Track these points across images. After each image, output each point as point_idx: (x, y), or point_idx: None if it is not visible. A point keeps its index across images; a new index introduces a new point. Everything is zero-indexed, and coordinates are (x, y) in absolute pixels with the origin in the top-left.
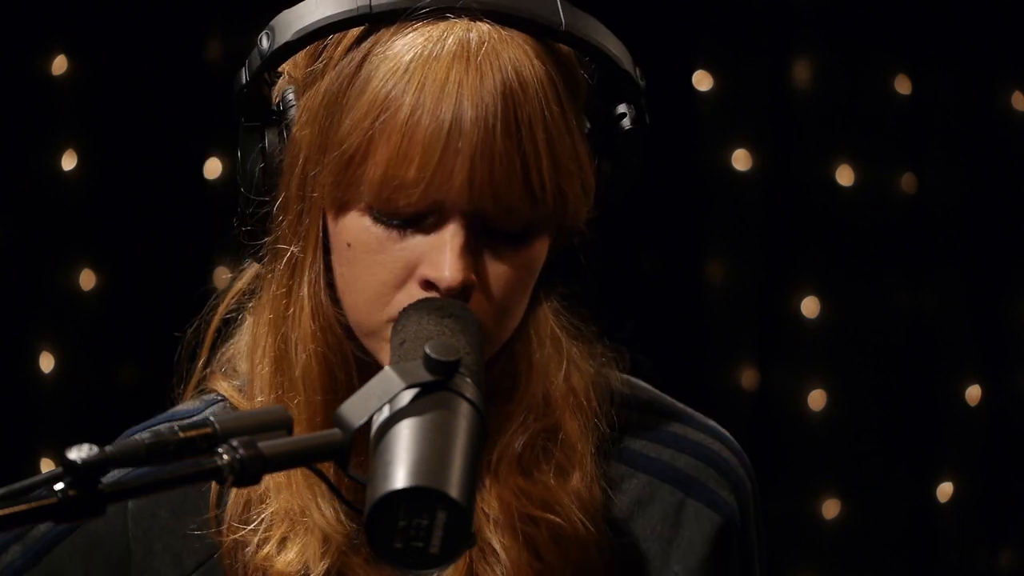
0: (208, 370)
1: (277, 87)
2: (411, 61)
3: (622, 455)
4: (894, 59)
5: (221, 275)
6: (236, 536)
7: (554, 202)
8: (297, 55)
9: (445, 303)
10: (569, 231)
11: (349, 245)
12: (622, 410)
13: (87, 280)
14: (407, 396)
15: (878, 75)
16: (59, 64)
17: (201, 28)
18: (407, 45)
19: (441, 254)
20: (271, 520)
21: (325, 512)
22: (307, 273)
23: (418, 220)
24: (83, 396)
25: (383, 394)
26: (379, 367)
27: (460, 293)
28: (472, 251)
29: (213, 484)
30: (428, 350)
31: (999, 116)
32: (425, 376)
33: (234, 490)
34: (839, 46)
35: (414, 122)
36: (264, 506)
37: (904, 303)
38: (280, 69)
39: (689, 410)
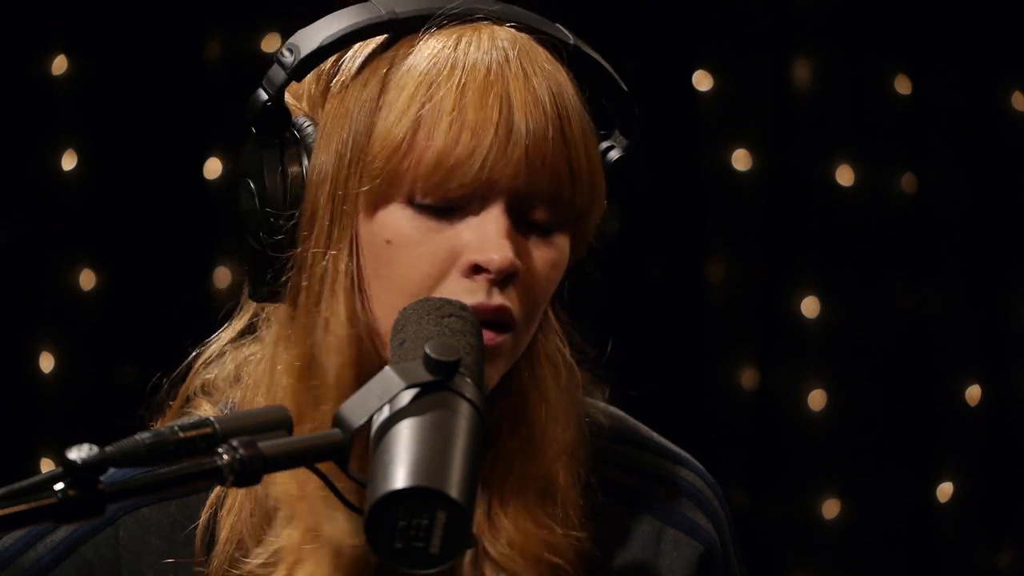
0: (187, 397)
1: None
2: (451, 52)
3: (601, 486)
4: (894, 59)
5: (221, 275)
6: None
7: (589, 195)
8: (305, 79)
9: (445, 303)
10: (581, 239)
11: (389, 242)
12: (602, 441)
13: (87, 280)
14: (407, 396)
15: (878, 75)
16: (59, 64)
17: (201, 28)
18: (441, 41)
19: (488, 238)
20: (275, 555)
21: (341, 524)
22: (341, 279)
23: (462, 207)
24: (83, 396)
25: (383, 394)
26: None
27: (507, 279)
28: (515, 237)
29: (202, 521)
30: (428, 350)
31: (999, 116)
32: (425, 376)
33: (226, 529)
34: (839, 46)
35: (465, 104)
36: (260, 549)
37: (904, 303)
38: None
39: (665, 442)
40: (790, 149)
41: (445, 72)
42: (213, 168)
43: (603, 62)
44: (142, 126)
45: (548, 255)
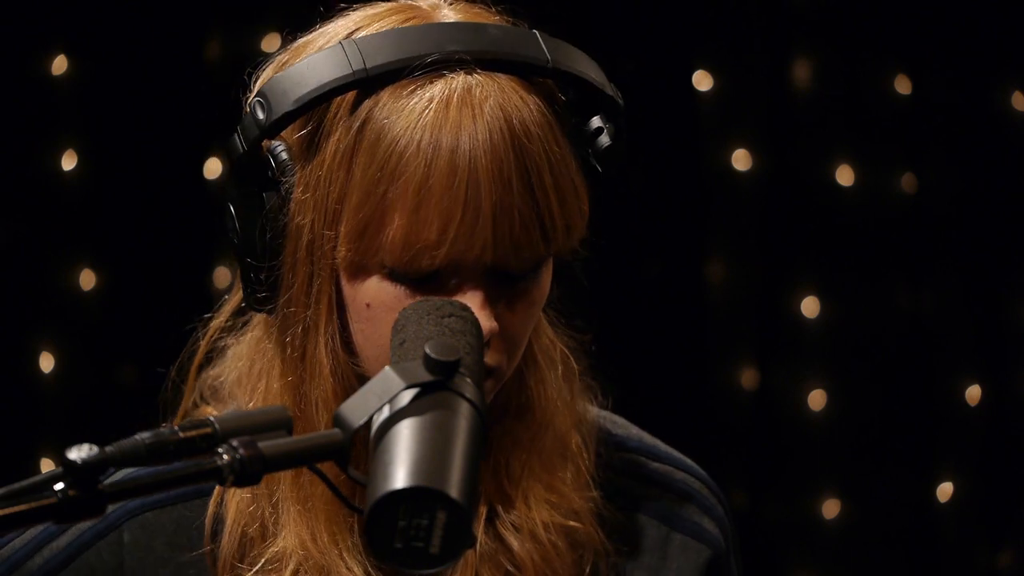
0: (193, 402)
1: (265, 146)
2: (417, 123)
3: (606, 491)
4: (894, 59)
5: (221, 275)
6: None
7: (563, 238)
8: None
9: (445, 303)
10: (564, 256)
11: (368, 305)
12: (603, 447)
13: (87, 280)
14: (407, 396)
15: (878, 75)
16: (59, 64)
17: (201, 28)
18: (410, 107)
19: None
20: (276, 558)
21: (353, 569)
22: (323, 335)
23: (437, 276)
24: (83, 396)
25: (383, 394)
26: None
27: (488, 342)
28: (492, 300)
29: (208, 517)
30: (428, 350)
31: (999, 116)
32: (425, 376)
33: (229, 526)
34: (839, 46)
35: (429, 185)
36: (265, 545)
37: (904, 303)
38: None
39: (665, 447)
40: (790, 149)
41: (412, 149)
42: (213, 168)
43: (583, 74)
44: (142, 126)
45: (529, 298)
